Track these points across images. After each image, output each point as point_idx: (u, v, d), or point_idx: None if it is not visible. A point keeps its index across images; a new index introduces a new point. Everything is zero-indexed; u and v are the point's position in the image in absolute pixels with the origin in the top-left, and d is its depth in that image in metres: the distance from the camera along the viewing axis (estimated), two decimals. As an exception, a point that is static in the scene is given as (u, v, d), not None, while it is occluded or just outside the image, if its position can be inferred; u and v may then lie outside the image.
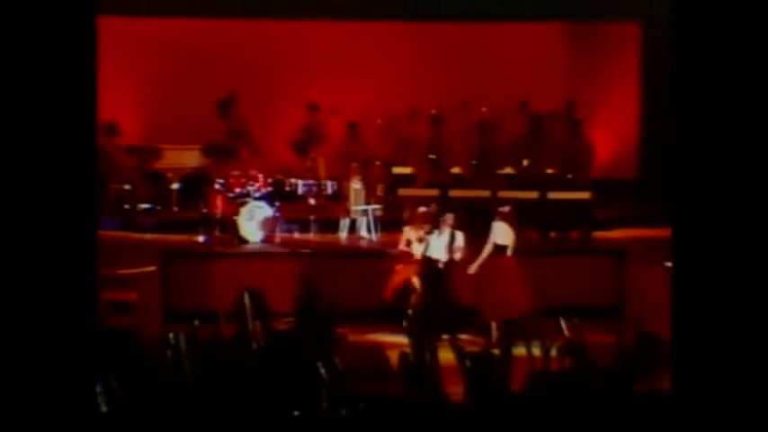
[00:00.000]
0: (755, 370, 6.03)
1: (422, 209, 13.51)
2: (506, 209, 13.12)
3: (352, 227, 15.21)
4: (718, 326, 6.05)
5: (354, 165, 15.57)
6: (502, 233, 12.91)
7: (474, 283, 12.93)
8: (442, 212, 13.35)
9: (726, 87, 5.93)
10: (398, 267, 13.28)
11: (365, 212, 15.17)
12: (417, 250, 13.11)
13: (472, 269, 12.88)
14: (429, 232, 13.05)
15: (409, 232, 13.28)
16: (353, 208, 15.13)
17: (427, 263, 13.00)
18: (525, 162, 15.51)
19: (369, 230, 15.17)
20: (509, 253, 12.90)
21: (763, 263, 6.02)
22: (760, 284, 6.01)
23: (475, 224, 13.88)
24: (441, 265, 12.98)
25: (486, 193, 14.90)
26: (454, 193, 14.78)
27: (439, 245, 13.01)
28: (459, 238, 13.04)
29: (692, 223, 6.05)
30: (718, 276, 6.03)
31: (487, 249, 12.89)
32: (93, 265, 6.36)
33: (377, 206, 15.24)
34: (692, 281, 6.07)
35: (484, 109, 16.24)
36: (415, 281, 13.09)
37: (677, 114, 6.03)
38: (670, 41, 6.20)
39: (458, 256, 13.02)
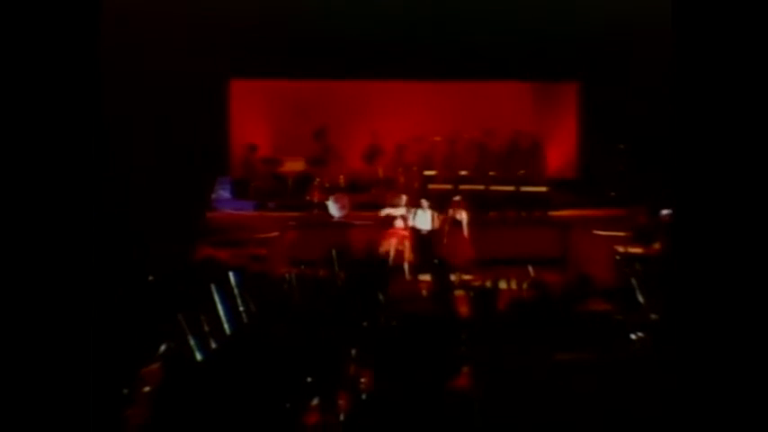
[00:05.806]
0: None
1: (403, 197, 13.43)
2: (458, 198, 13.24)
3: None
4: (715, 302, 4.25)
5: (400, 169, 15.38)
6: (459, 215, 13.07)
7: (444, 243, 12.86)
8: (419, 199, 13.33)
9: (723, 88, 4.23)
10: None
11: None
12: (409, 222, 12.99)
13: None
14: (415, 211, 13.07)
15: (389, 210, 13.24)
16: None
17: (416, 231, 12.92)
18: (504, 169, 15.17)
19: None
20: (464, 226, 12.90)
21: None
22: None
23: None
24: (425, 232, 12.94)
25: (481, 187, 14.73)
26: (462, 187, 14.47)
27: (424, 219, 12.99)
28: (435, 215, 13.01)
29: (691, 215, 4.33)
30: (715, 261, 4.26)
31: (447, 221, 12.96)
32: (89, 264, 4.14)
33: None
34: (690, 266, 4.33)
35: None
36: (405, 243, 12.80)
37: (675, 114, 4.31)
38: (611, 97, 5.25)
39: (435, 225, 13.01)
